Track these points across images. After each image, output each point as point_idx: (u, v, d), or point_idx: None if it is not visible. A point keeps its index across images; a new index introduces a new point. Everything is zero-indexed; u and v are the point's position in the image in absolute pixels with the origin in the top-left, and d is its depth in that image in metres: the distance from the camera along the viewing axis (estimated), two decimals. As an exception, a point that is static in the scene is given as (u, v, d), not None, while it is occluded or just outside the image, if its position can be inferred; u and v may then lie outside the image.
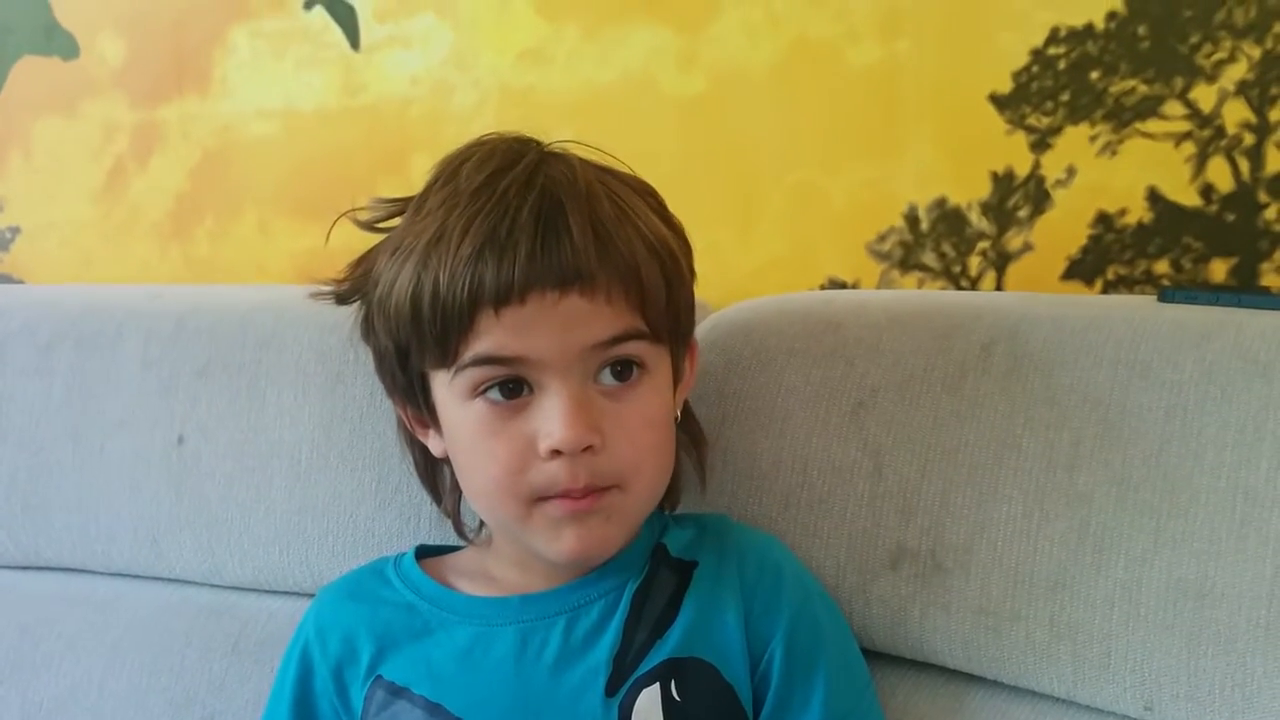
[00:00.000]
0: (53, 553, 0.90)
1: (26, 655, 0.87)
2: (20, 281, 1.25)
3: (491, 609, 0.63)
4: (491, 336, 0.56)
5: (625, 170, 0.65)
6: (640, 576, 0.63)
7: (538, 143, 0.62)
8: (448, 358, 0.58)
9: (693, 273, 0.65)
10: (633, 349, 0.58)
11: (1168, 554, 0.59)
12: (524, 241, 0.55)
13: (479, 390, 0.58)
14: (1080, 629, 0.61)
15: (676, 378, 0.64)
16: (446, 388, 0.60)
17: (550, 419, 0.56)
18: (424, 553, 0.69)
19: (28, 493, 0.89)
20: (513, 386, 0.58)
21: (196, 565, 0.85)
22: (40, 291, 1.05)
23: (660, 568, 0.63)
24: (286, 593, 0.83)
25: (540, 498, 0.58)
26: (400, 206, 0.66)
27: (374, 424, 0.79)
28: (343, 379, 0.81)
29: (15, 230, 1.25)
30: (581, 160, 0.61)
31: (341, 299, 0.69)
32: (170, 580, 0.87)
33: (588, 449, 0.57)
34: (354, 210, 0.68)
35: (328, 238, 0.67)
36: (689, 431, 0.69)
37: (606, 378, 0.58)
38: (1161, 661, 0.59)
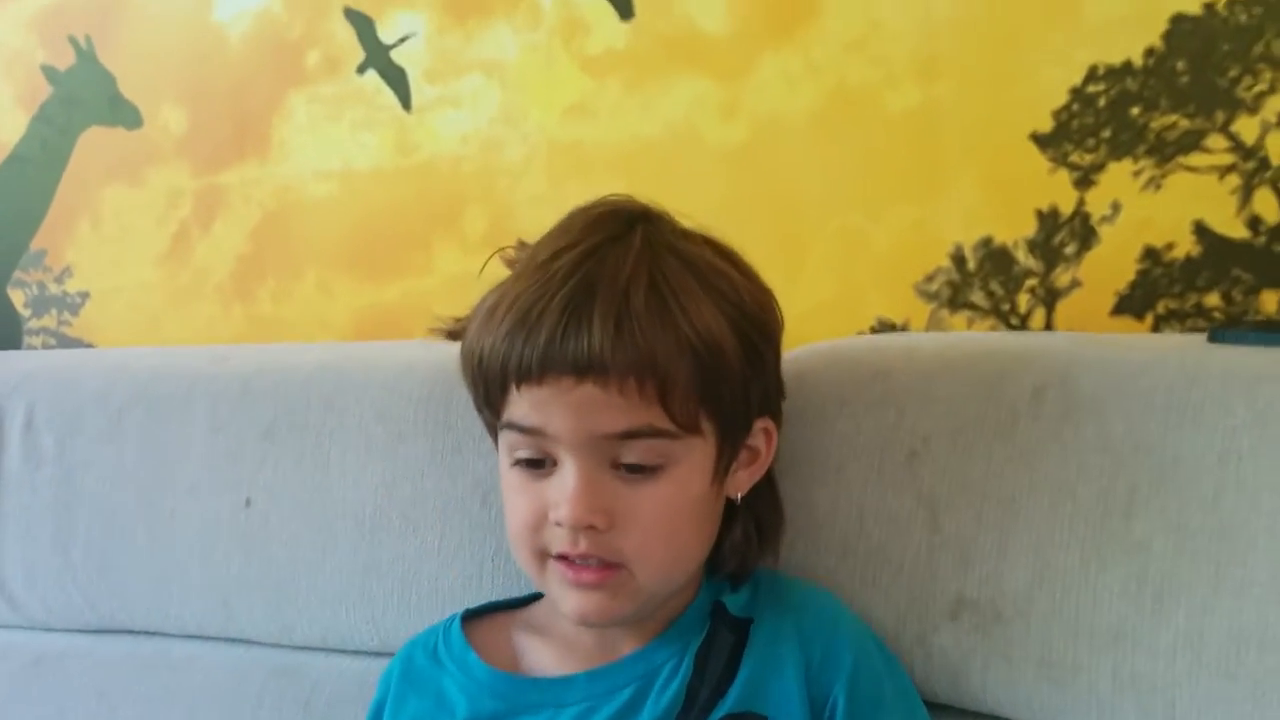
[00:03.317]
0: (127, 616, 0.93)
1: (104, 719, 0.89)
2: (90, 344, 1.29)
3: (559, 689, 0.65)
4: (518, 407, 0.60)
5: (717, 245, 0.65)
6: (702, 636, 0.64)
7: (633, 213, 0.63)
8: (495, 415, 0.63)
9: (774, 353, 0.66)
10: (646, 446, 0.59)
11: (1229, 602, 0.59)
12: (547, 326, 0.57)
13: (514, 454, 0.62)
14: (1143, 679, 0.61)
15: (736, 459, 0.64)
16: (500, 440, 0.64)
17: (561, 493, 0.60)
18: (472, 615, 0.71)
19: (103, 557, 0.92)
20: (539, 460, 0.61)
21: (267, 626, 0.87)
22: (110, 356, 1.08)
23: (719, 626, 0.65)
24: (355, 652, 0.84)
25: (550, 555, 0.61)
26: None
27: (436, 483, 0.81)
28: (404, 439, 0.83)
29: (84, 295, 1.29)
30: (652, 240, 0.61)
31: (450, 336, 0.72)
32: (241, 641, 0.89)
33: (590, 527, 0.59)
34: (504, 250, 0.69)
35: (481, 270, 0.67)
36: (757, 512, 0.68)
37: (624, 467, 0.60)
38: (1226, 711, 0.59)
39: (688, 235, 0.64)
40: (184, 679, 0.88)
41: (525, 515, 0.62)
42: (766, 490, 0.69)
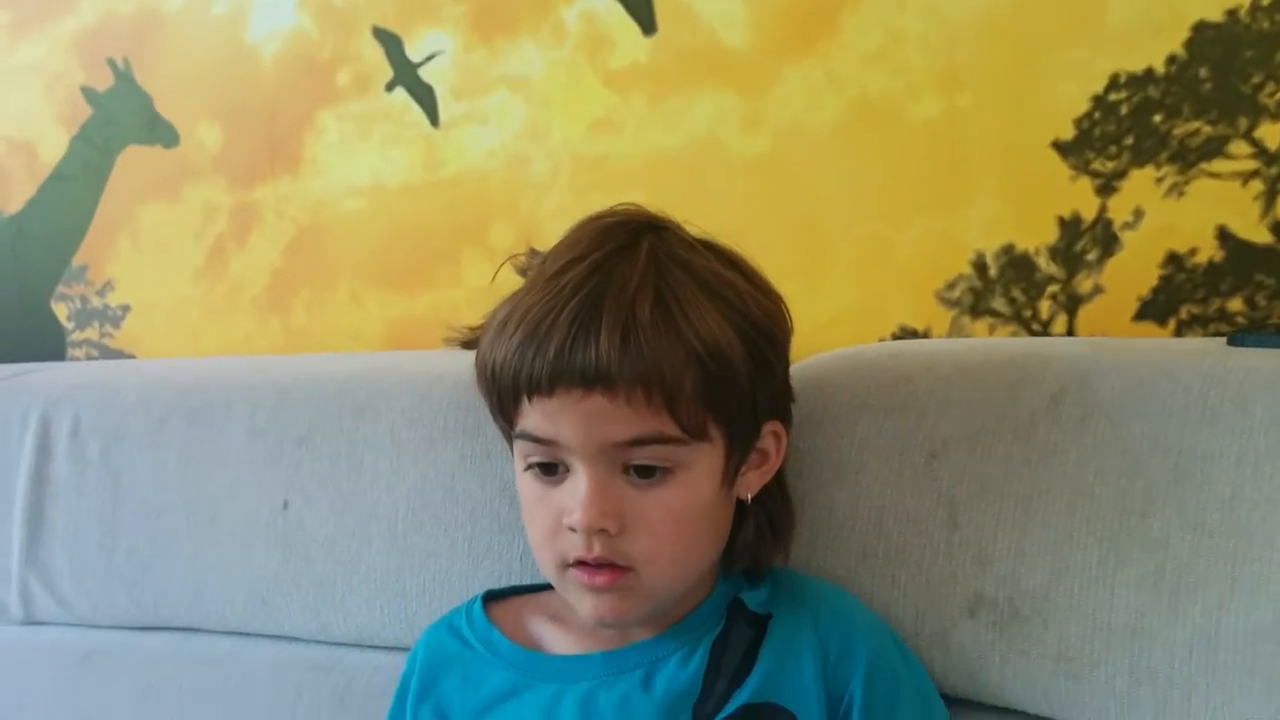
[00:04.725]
0: (171, 613, 0.95)
1: (148, 713, 0.92)
2: (131, 356, 1.33)
3: (576, 666, 0.67)
4: (530, 418, 0.62)
5: (725, 253, 0.66)
6: (717, 629, 0.66)
7: (640, 224, 0.65)
8: (509, 425, 0.65)
9: (781, 358, 0.67)
10: (655, 453, 0.61)
11: (1244, 598, 0.60)
12: (556, 339, 0.59)
13: (528, 462, 0.64)
14: (1160, 674, 0.62)
15: (745, 462, 0.66)
16: (515, 448, 0.66)
17: (573, 499, 0.62)
18: (493, 596, 0.74)
19: (147, 558, 0.95)
20: (552, 466, 0.63)
21: (304, 623, 0.89)
22: (152, 367, 1.11)
23: (737, 621, 0.66)
24: (389, 648, 0.86)
25: (568, 563, 0.63)
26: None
27: (465, 485, 0.83)
28: (434, 444, 0.85)
29: (125, 308, 1.33)
30: (658, 252, 0.63)
31: (465, 345, 0.75)
32: (280, 637, 0.91)
33: (603, 530, 0.61)
34: (515, 256, 0.72)
35: (493, 278, 0.71)
36: (768, 509, 0.70)
37: (633, 472, 0.62)
38: (1242, 706, 0.59)
39: (694, 245, 0.65)
40: (225, 674, 0.90)
41: (542, 524, 0.64)
42: (776, 488, 0.71)
